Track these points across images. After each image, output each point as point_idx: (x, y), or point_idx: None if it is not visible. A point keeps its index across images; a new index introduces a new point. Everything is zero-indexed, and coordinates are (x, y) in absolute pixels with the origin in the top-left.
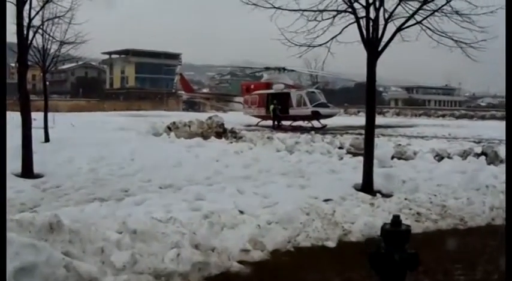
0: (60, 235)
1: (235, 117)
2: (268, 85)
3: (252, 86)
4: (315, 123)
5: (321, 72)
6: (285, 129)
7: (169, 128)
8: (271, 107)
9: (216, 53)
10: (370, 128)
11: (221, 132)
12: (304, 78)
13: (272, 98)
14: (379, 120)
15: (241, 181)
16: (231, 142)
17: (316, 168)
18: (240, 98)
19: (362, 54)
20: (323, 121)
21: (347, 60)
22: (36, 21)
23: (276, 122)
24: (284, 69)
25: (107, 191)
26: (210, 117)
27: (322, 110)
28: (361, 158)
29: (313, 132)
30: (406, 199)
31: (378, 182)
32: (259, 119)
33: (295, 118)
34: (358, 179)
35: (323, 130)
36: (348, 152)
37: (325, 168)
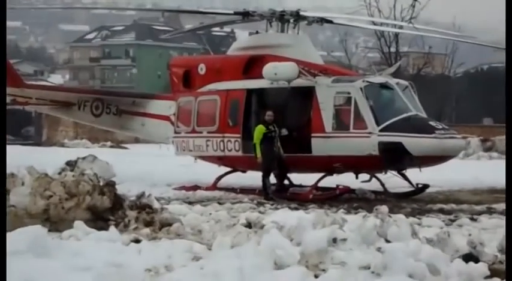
0: None
1: (149, 162)
2: (248, 64)
3: (202, 69)
4: (391, 180)
5: (409, 27)
6: (300, 196)
7: None
8: (260, 130)
9: None
10: None
11: (107, 208)
12: (359, 42)
13: (261, 105)
14: None
15: None
16: (137, 240)
17: None
18: (167, 103)
19: None
20: (414, 175)
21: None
22: None
23: (273, 179)
24: (298, 16)
25: None
26: (72, 165)
27: (411, 142)
28: None
29: (384, 208)
30: None
31: None
32: (224, 169)
33: (330, 165)
34: None
35: (416, 200)
36: (495, 274)
37: None
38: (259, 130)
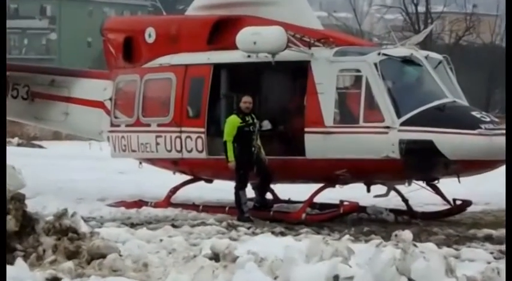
0: None
1: (74, 166)
2: (216, 29)
3: (151, 35)
4: (418, 194)
5: None
6: (289, 216)
7: None
8: (232, 122)
9: None
10: None
11: (12, 233)
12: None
13: (233, 87)
14: None
15: None
16: (56, 278)
17: None
18: (101, 83)
19: None
20: (449, 187)
21: None
22: None
23: (250, 192)
24: None
25: None
26: None
27: (446, 140)
28: None
29: (407, 233)
30: None
31: None
32: (181, 177)
33: (331, 173)
34: None
35: (453, 223)
36: None
37: None
38: (231, 123)
